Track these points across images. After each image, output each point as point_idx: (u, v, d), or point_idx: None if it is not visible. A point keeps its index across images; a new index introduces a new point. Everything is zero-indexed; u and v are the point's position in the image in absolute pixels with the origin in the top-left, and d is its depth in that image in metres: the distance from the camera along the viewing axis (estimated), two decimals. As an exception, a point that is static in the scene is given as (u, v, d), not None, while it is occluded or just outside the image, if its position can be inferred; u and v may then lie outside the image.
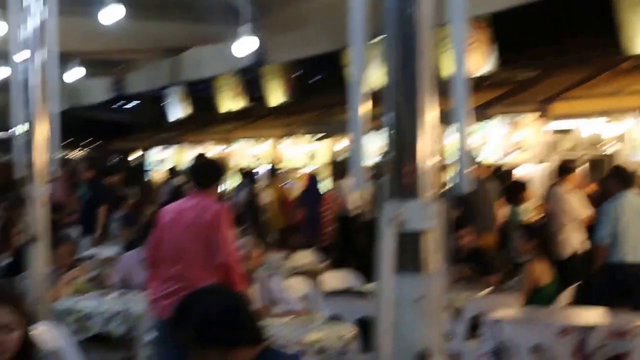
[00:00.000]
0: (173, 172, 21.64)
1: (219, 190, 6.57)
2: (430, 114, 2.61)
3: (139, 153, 28.46)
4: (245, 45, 8.88)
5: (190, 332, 3.33)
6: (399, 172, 2.61)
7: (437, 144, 2.66)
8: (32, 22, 6.32)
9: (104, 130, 29.88)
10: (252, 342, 3.41)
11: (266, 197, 16.85)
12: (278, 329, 6.38)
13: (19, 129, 6.44)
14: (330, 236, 15.76)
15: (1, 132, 26.48)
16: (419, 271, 2.60)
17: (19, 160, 6.39)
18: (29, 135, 6.41)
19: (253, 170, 19.02)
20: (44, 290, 6.60)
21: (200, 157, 7.24)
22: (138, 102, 29.28)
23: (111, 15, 8.11)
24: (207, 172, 6.62)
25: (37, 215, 6.43)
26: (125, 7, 8.09)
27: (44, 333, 4.81)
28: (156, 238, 6.63)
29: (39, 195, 6.41)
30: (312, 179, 16.77)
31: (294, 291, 7.96)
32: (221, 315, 3.35)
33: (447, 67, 2.68)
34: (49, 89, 6.41)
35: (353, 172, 2.71)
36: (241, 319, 3.41)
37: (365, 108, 2.66)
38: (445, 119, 2.68)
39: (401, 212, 2.56)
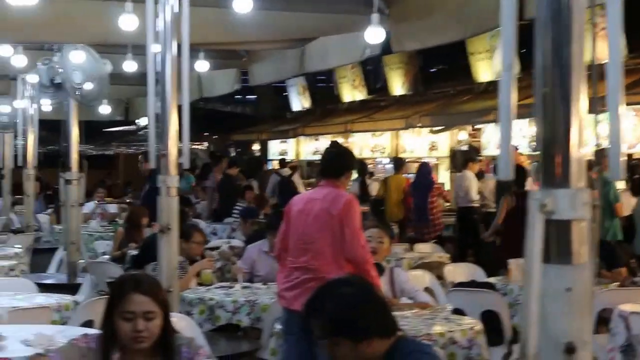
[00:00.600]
0: (282, 163, 21.89)
1: (349, 181, 6.53)
2: (582, 100, 2.55)
3: (259, 145, 28.83)
4: (372, 35, 8.83)
5: (323, 325, 3.34)
6: (549, 160, 2.55)
7: (587, 132, 2.60)
8: (167, 14, 6.43)
9: (224, 122, 30.28)
10: (385, 333, 3.39)
11: (379, 189, 16.83)
12: (404, 320, 6.36)
13: (151, 121, 6.55)
14: (440, 228, 15.62)
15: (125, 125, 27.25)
16: (567, 262, 2.54)
17: (152, 152, 6.50)
18: (161, 126, 6.52)
19: (369, 162, 19.09)
20: (174, 281, 6.69)
21: (333, 146, 7.19)
22: (259, 94, 29.56)
23: (242, 6, 8.17)
24: (338, 161, 6.59)
25: (169, 205, 6.53)
26: (254, -2, 8.15)
27: (176, 323, 4.88)
28: (284, 229, 6.65)
29: (171, 185, 6.51)
30: (423, 169, 16.60)
31: (417, 284, 7.92)
32: (354, 307, 3.35)
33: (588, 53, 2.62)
34: (181, 81, 6.51)
35: (499, 160, 2.66)
36: (373, 310, 3.39)
37: (514, 94, 2.61)
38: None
39: (551, 201, 2.51)
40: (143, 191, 16.66)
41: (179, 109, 6.57)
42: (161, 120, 6.51)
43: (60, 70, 9.28)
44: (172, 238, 6.56)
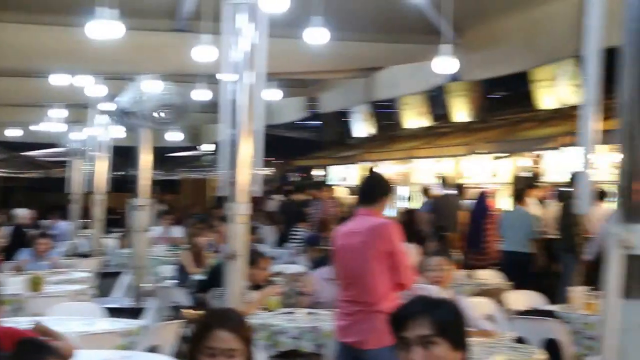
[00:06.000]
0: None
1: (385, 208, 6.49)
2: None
3: (322, 171, 28.82)
4: (442, 65, 8.85)
5: (428, 323, 3.26)
6: (629, 193, 2.52)
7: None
8: (243, 45, 6.51)
9: (287, 147, 30.33)
10: (466, 349, 3.34)
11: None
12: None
13: (223, 148, 6.61)
14: (495, 256, 15.32)
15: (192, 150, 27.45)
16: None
17: (223, 179, 6.56)
18: (232, 153, 6.57)
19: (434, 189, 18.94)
20: (240, 306, 6.72)
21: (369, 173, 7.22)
22: (324, 120, 29.59)
23: (316, 37, 8.29)
24: (371, 188, 6.54)
25: (237, 232, 6.58)
26: (328, 29, 8.22)
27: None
28: (334, 261, 6.70)
29: (240, 213, 6.56)
30: (481, 197, 16.38)
31: (479, 311, 7.88)
32: (457, 312, 3.32)
33: None
34: (254, 109, 6.59)
35: (579, 190, 2.65)
36: (464, 323, 3.37)
37: (596, 121, 2.59)
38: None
39: (630, 235, 2.49)
40: None
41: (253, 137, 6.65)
42: (232, 148, 6.57)
43: (137, 98, 9.40)
44: (238, 265, 6.61)
